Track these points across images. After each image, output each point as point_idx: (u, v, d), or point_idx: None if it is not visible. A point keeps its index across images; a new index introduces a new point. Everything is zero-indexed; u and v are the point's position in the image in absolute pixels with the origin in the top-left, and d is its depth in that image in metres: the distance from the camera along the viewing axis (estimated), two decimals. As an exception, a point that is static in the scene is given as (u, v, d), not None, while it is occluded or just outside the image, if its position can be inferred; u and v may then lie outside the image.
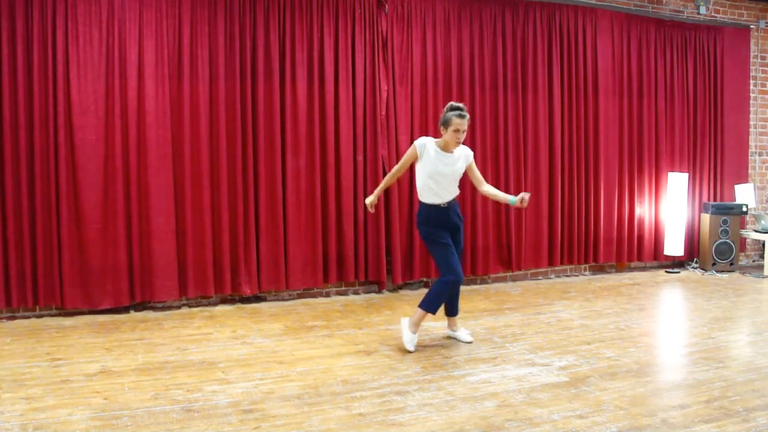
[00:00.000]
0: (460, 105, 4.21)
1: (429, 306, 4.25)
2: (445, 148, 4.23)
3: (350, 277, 5.95)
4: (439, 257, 4.25)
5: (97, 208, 5.13)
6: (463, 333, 4.52)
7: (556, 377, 3.74)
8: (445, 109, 4.23)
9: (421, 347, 4.34)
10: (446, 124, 4.16)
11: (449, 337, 4.57)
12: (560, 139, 6.81)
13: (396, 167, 4.40)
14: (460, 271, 4.23)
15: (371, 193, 5.92)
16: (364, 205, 5.92)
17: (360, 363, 4.00)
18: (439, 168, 4.19)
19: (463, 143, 6.23)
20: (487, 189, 4.45)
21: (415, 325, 4.30)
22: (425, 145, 4.22)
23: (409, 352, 4.21)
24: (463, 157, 4.32)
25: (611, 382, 3.66)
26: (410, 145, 5.99)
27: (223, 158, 5.48)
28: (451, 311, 4.52)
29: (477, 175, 4.42)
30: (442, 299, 4.29)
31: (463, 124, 4.15)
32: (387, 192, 6.04)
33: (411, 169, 4.54)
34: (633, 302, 5.78)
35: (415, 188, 6.08)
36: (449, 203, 4.29)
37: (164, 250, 5.30)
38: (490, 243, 6.52)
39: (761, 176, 8.04)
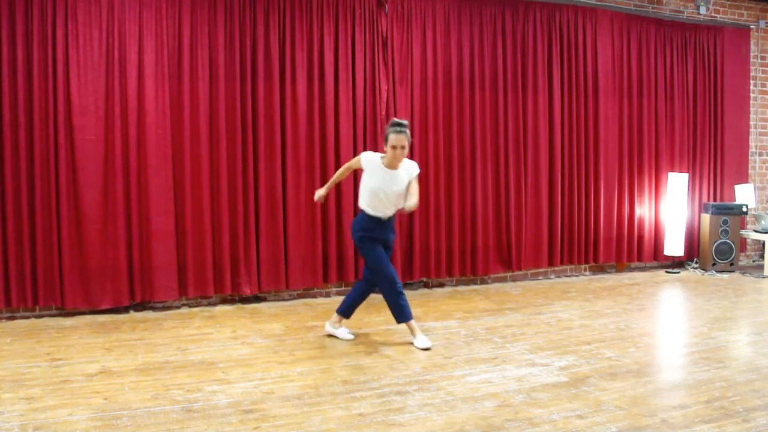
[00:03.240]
0: (401, 121, 4.18)
1: (401, 315, 4.36)
2: (390, 166, 4.22)
3: (350, 277, 5.95)
4: (377, 265, 4.29)
5: (97, 207, 5.13)
6: (342, 331, 4.58)
7: (556, 377, 3.74)
8: (387, 125, 4.26)
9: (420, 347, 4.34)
10: (385, 140, 4.19)
11: (330, 335, 4.60)
12: (560, 139, 6.81)
13: (341, 170, 4.54)
14: (396, 277, 4.31)
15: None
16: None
17: (360, 363, 4.00)
18: (385, 186, 4.21)
19: (464, 141, 6.32)
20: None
21: (414, 330, 4.40)
22: (370, 160, 4.26)
23: (428, 349, 4.27)
24: (407, 173, 4.28)
25: (611, 382, 3.66)
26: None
27: (223, 158, 5.48)
28: (347, 312, 4.57)
29: (412, 190, 4.25)
30: (401, 301, 4.33)
31: (401, 139, 4.10)
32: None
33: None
34: (633, 302, 5.78)
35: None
36: (390, 218, 4.34)
37: (164, 250, 5.31)
38: (490, 243, 6.52)
39: (761, 176, 8.04)
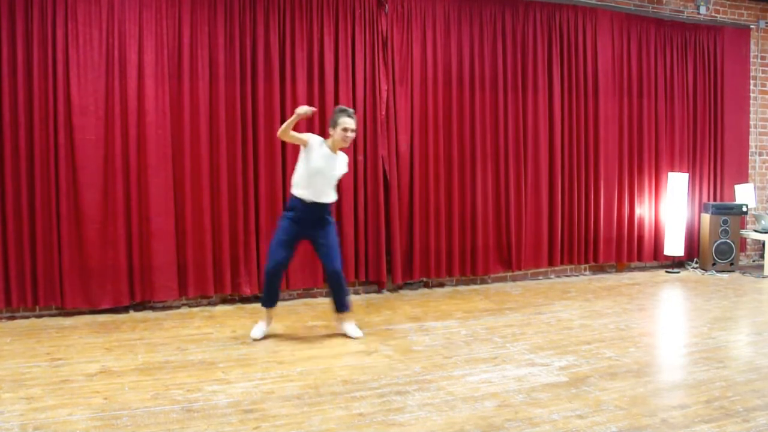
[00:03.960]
0: (348, 108, 4.37)
1: (263, 301, 4.52)
2: (333, 149, 4.34)
3: (350, 276, 5.95)
4: (273, 243, 4.39)
5: (97, 207, 5.13)
6: (349, 327, 4.57)
7: (556, 377, 3.74)
8: (334, 111, 4.34)
9: (421, 347, 4.34)
10: (335, 124, 4.26)
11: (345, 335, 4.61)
12: (560, 139, 6.81)
13: (288, 133, 4.22)
14: (272, 259, 4.33)
15: (371, 192, 5.97)
16: (365, 204, 5.96)
17: (360, 363, 4.00)
18: (322, 167, 4.28)
19: (464, 141, 6.32)
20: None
21: (267, 319, 4.56)
22: (317, 141, 4.32)
23: (255, 339, 4.44)
24: (344, 163, 4.44)
25: (611, 382, 3.66)
26: (408, 145, 6.07)
27: (223, 158, 5.48)
28: (336, 307, 4.57)
29: None
30: (264, 288, 4.44)
31: (353, 123, 4.27)
32: (387, 192, 6.04)
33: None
34: (633, 302, 5.78)
35: (416, 189, 6.13)
36: (318, 205, 4.34)
37: (164, 250, 5.30)
38: (490, 243, 6.52)
39: (761, 176, 8.04)
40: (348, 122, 4.25)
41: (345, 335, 4.59)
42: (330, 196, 4.41)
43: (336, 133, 4.26)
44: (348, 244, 5.89)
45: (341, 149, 4.42)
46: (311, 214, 4.35)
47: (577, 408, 3.27)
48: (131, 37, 5.19)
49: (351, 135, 4.28)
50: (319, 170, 4.27)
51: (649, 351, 4.35)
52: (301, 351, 4.25)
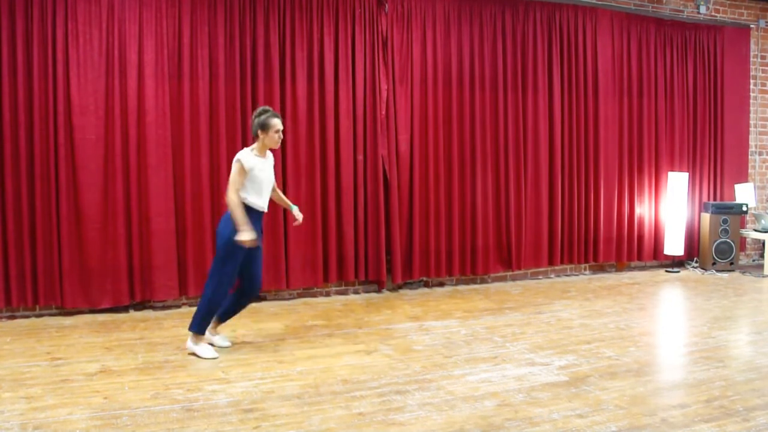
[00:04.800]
0: (269, 107, 4.24)
1: (202, 326, 4.14)
2: (263, 153, 4.20)
3: (350, 276, 5.95)
4: (230, 272, 4.08)
5: (97, 207, 5.14)
6: (219, 338, 4.35)
7: (556, 377, 3.74)
8: (255, 114, 4.16)
9: (421, 346, 4.34)
10: (265, 127, 4.11)
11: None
12: (560, 139, 6.81)
13: (234, 189, 4.02)
14: (229, 286, 4.12)
15: (371, 192, 5.97)
16: (364, 204, 5.96)
17: (360, 363, 4.00)
18: (269, 175, 4.21)
19: (464, 141, 6.33)
20: (279, 192, 4.49)
21: (198, 341, 4.18)
22: (250, 157, 4.11)
23: (215, 358, 4.07)
24: (272, 160, 4.33)
25: (611, 382, 3.66)
26: (408, 145, 6.06)
27: (224, 158, 5.48)
28: (227, 318, 4.37)
29: (282, 195, 4.55)
30: (209, 314, 4.15)
31: (281, 123, 4.19)
32: (387, 191, 6.04)
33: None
34: (633, 301, 5.78)
35: (416, 189, 6.13)
36: (264, 212, 4.25)
37: (164, 250, 5.31)
38: (490, 243, 6.52)
39: (761, 176, 8.04)
40: (279, 123, 4.16)
41: (215, 345, 4.27)
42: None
43: (268, 136, 4.13)
44: (348, 244, 5.89)
45: (271, 150, 4.28)
46: (259, 223, 4.22)
47: (577, 407, 3.28)
48: (131, 37, 5.19)
49: (281, 136, 4.19)
50: (265, 179, 4.16)
51: (649, 350, 4.35)
52: (301, 351, 4.25)
